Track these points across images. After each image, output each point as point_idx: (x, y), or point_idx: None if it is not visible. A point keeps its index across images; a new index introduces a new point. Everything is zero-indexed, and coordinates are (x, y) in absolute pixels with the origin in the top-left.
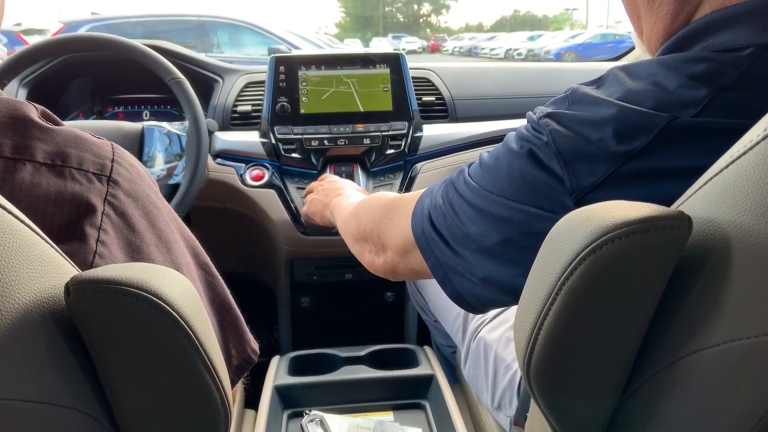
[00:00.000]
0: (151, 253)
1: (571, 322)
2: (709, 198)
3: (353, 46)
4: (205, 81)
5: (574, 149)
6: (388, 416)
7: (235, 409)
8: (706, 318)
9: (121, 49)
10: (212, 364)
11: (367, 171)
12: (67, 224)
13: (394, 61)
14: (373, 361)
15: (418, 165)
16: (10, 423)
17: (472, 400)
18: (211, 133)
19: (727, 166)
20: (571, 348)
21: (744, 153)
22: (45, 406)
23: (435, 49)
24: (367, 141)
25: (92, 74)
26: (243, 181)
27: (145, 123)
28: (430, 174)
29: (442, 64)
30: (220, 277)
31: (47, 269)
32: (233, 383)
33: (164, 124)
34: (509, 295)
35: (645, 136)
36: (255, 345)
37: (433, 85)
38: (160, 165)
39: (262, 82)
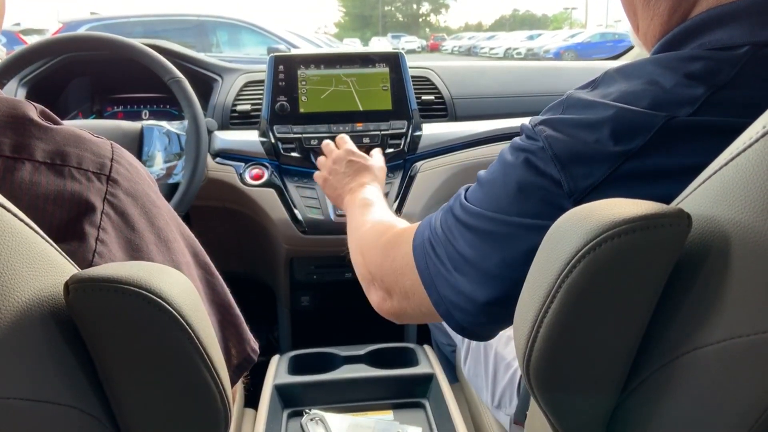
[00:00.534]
0: (150, 252)
1: (570, 320)
2: (708, 195)
3: (352, 46)
4: (204, 80)
5: (571, 152)
6: (388, 415)
7: (234, 408)
8: (706, 315)
9: (120, 49)
10: (212, 363)
11: None
12: (66, 223)
13: (394, 60)
14: (373, 360)
15: (418, 164)
16: (10, 422)
17: (472, 398)
18: (210, 132)
19: (726, 164)
20: (571, 346)
21: (743, 150)
22: (45, 405)
23: (434, 49)
24: (366, 140)
25: (91, 74)
26: (242, 181)
27: (145, 122)
28: (429, 173)
29: (442, 63)
30: (219, 277)
31: (47, 268)
32: (233, 382)
33: (163, 124)
34: (512, 318)
35: (642, 136)
36: (255, 344)
37: (433, 84)
38: (159, 164)
39: (262, 81)
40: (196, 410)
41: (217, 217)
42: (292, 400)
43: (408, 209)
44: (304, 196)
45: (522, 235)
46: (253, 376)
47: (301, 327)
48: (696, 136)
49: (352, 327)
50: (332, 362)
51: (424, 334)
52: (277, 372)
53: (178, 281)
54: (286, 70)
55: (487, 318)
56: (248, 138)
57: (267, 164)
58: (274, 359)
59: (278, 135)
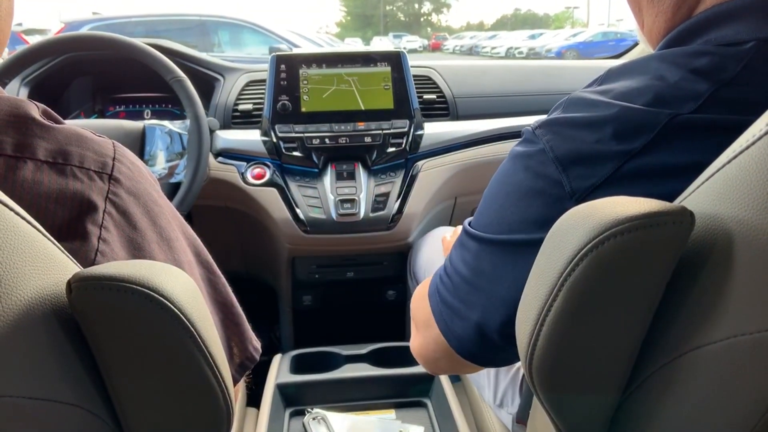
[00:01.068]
0: (152, 251)
1: (573, 318)
2: (711, 193)
3: (354, 45)
4: (206, 80)
5: (572, 152)
6: (390, 414)
7: (237, 407)
8: (709, 313)
9: (122, 48)
10: (214, 361)
11: (368, 169)
12: (68, 222)
13: (395, 59)
14: (374, 359)
15: (420, 163)
16: (12, 420)
17: (474, 397)
18: (212, 131)
19: (729, 162)
20: (574, 344)
21: (746, 148)
22: (47, 403)
23: (436, 48)
24: (368, 139)
25: (93, 73)
26: (244, 180)
27: (147, 122)
28: (431, 172)
29: (444, 62)
30: (222, 276)
31: (49, 266)
32: (236, 381)
33: (165, 123)
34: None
35: (646, 135)
36: (257, 343)
37: (434, 83)
38: (161, 164)
39: (263, 80)
40: (198, 409)
41: (219, 217)
42: (294, 400)
43: (410, 208)
44: (306, 196)
45: (529, 252)
46: (254, 376)
47: (303, 326)
48: (699, 134)
49: (354, 326)
50: (334, 361)
51: None
52: (279, 371)
53: (181, 280)
54: (288, 69)
55: (504, 341)
56: (250, 137)
57: (269, 163)
58: (276, 358)
59: (280, 134)
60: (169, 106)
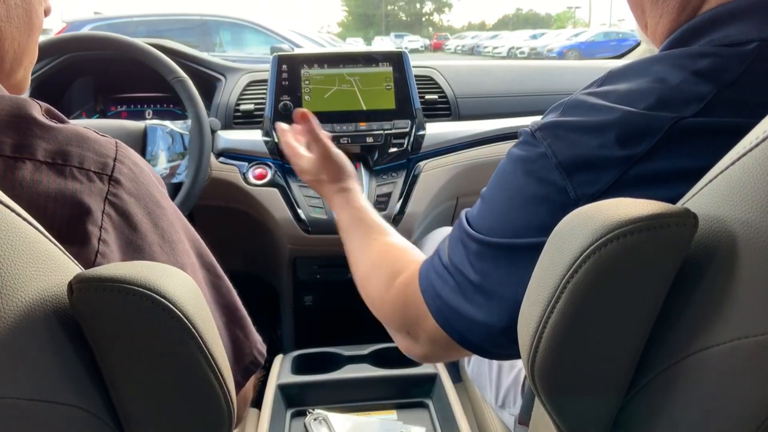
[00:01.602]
0: (154, 253)
1: (576, 320)
2: (714, 195)
3: (355, 45)
4: (207, 80)
5: (576, 158)
6: (391, 415)
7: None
8: (712, 316)
9: (123, 48)
10: (216, 363)
11: (370, 169)
12: (68, 222)
13: (397, 59)
14: (376, 359)
15: (421, 163)
16: (13, 422)
17: (475, 398)
18: (213, 131)
19: (732, 163)
20: (576, 346)
21: (750, 150)
22: (48, 405)
23: (437, 48)
24: (369, 139)
25: (95, 73)
26: (246, 180)
27: (148, 122)
28: (433, 172)
29: (445, 62)
30: (226, 278)
31: (50, 267)
32: (240, 385)
33: (167, 123)
34: None
35: (649, 140)
36: (262, 347)
37: (436, 83)
38: (163, 164)
39: (265, 80)
40: (199, 410)
41: (220, 217)
42: (295, 400)
43: (411, 209)
44: (308, 196)
45: (534, 256)
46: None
47: (304, 326)
48: (703, 138)
49: (356, 326)
50: (336, 362)
51: None
52: (280, 371)
53: (182, 281)
54: (290, 69)
55: (509, 341)
56: (251, 137)
57: (270, 164)
58: (278, 359)
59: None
60: (171, 106)
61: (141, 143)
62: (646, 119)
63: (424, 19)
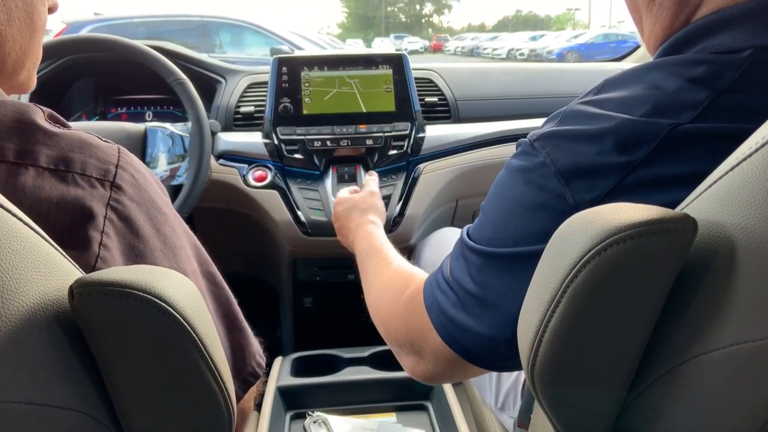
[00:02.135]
0: (156, 259)
1: (575, 325)
2: (713, 200)
3: (355, 47)
4: (207, 82)
5: (574, 165)
6: (391, 417)
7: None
8: (711, 321)
9: (123, 50)
10: (215, 366)
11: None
12: (70, 227)
13: (397, 62)
14: (376, 362)
15: (421, 166)
16: (14, 426)
17: (475, 400)
18: (213, 134)
19: (731, 169)
20: (576, 351)
21: (749, 155)
22: (49, 409)
23: (437, 50)
24: (369, 142)
25: (95, 75)
26: (246, 182)
27: (148, 124)
28: (432, 175)
29: (445, 64)
30: (226, 287)
31: (51, 271)
32: (239, 397)
33: (167, 125)
34: None
35: (647, 146)
36: (262, 359)
37: (436, 85)
38: (163, 166)
39: (265, 82)
40: (199, 414)
41: (220, 219)
42: (295, 402)
43: (411, 211)
44: (307, 198)
45: (534, 265)
46: None
47: (304, 328)
48: (700, 144)
49: (355, 328)
50: (335, 364)
51: None
52: (280, 374)
53: (183, 285)
54: (290, 71)
55: (513, 352)
56: (251, 140)
57: (270, 166)
58: (277, 361)
59: (281, 137)
60: (171, 108)
61: (141, 145)
62: (643, 126)
63: (423, 20)
